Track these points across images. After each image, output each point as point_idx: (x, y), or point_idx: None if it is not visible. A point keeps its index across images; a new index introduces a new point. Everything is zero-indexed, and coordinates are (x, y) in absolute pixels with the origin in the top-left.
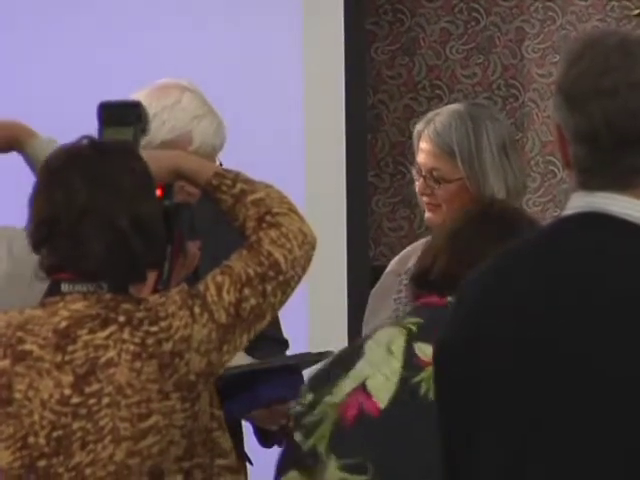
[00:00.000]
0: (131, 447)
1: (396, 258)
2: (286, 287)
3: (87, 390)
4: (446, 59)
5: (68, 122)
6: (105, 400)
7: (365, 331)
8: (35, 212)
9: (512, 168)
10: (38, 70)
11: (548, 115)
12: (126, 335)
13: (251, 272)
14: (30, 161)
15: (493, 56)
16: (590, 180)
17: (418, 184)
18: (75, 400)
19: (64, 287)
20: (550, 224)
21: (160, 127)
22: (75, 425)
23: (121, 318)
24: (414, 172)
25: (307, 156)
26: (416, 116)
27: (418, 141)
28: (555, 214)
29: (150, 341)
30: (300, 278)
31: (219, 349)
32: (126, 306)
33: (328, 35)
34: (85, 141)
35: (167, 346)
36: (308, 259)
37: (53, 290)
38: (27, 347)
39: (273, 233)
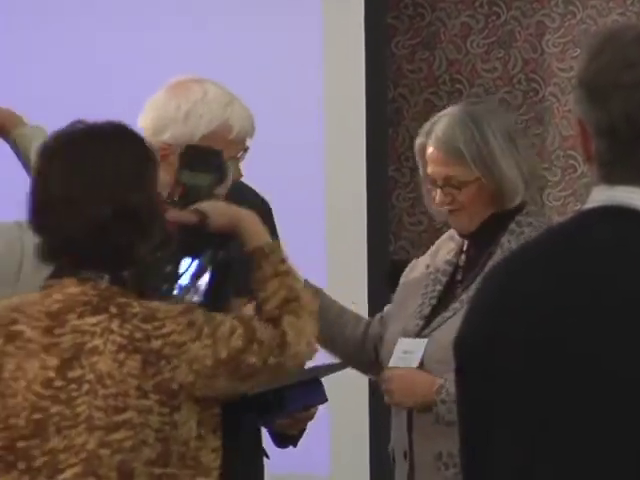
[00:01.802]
0: (103, 437)
1: (429, 251)
2: (279, 370)
3: (70, 375)
4: (467, 53)
5: (68, 122)
6: (85, 387)
7: (384, 314)
8: (31, 198)
9: (521, 153)
10: (38, 70)
11: (569, 109)
12: (115, 326)
13: (264, 338)
14: (16, 149)
15: (514, 50)
16: (611, 174)
17: (435, 196)
18: (57, 384)
19: (63, 272)
20: (571, 218)
21: (198, 122)
22: (53, 409)
23: (113, 309)
24: (425, 185)
25: (327, 151)
26: (436, 110)
27: (422, 154)
28: (576, 208)
29: (138, 335)
30: (288, 371)
31: (207, 378)
32: (121, 299)
33: (348, 29)
34: (79, 126)
35: (155, 344)
36: (302, 364)
37: (56, 274)
38: (19, 328)
39: (293, 320)
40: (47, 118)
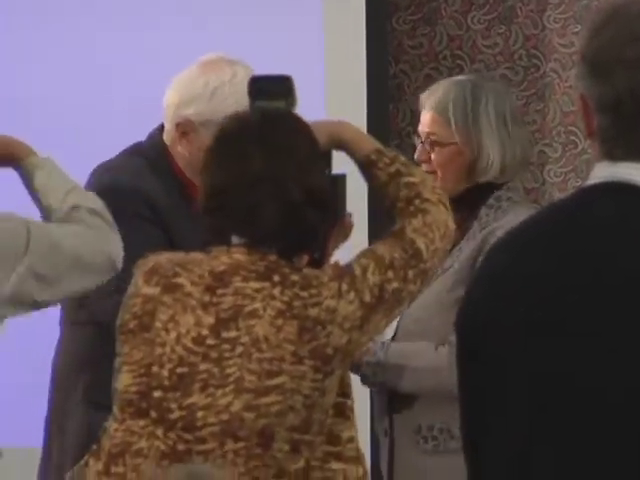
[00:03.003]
0: (250, 400)
1: None
2: (424, 276)
3: (224, 335)
4: (467, 29)
5: (68, 122)
6: (239, 349)
7: None
8: (207, 181)
9: (511, 140)
10: (38, 70)
11: (570, 85)
12: (276, 292)
13: (395, 256)
14: (25, 178)
15: (514, 26)
16: (613, 150)
17: (417, 151)
18: (210, 342)
19: (234, 239)
20: (572, 195)
21: (223, 102)
22: (202, 366)
23: (276, 277)
24: (415, 140)
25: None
26: None
27: (422, 110)
28: (576, 184)
29: (297, 303)
30: (436, 269)
31: (360, 327)
32: (285, 270)
33: (349, 5)
34: (255, 110)
35: (312, 311)
36: (446, 252)
37: (219, 244)
38: (180, 281)
39: (419, 220)
40: (47, 118)
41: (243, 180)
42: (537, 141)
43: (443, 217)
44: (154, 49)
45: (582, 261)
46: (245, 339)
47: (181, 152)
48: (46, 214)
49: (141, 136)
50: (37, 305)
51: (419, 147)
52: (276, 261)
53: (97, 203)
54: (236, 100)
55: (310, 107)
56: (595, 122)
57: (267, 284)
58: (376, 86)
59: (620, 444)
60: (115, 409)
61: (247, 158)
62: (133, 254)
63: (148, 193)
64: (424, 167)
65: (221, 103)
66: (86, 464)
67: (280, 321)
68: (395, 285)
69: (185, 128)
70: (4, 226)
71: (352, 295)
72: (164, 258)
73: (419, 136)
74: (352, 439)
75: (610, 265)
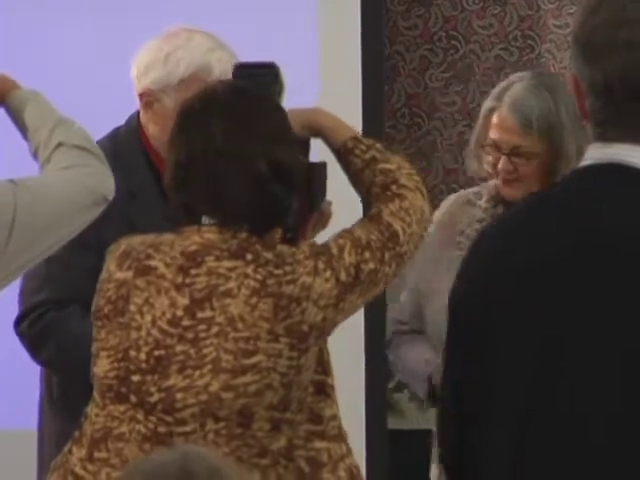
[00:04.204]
0: (229, 380)
1: (443, 211)
2: (400, 260)
3: (199, 315)
4: (462, 10)
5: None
6: (214, 329)
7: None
8: (171, 157)
9: (582, 138)
10: (38, 71)
11: (564, 66)
12: (250, 271)
13: (372, 237)
14: (12, 113)
15: (509, 7)
16: (606, 132)
17: (492, 161)
18: (185, 323)
19: (204, 219)
20: (566, 176)
21: (177, 66)
22: (178, 348)
23: (249, 256)
24: (477, 147)
25: (322, 107)
26: (432, 67)
27: (488, 118)
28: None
29: (271, 281)
30: (412, 254)
31: (335, 306)
32: (257, 247)
33: None
34: (221, 84)
35: (287, 289)
36: (422, 237)
37: (189, 224)
38: (152, 263)
39: (395, 204)
40: None
41: (205, 155)
42: None
43: (419, 203)
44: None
45: (577, 241)
46: (220, 319)
47: (152, 131)
48: (34, 152)
49: None
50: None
51: (503, 160)
52: (247, 239)
53: (81, 137)
54: (191, 60)
55: (305, 88)
56: (587, 104)
57: (240, 262)
58: (371, 67)
59: (625, 402)
60: (95, 394)
61: (209, 133)
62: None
63: None
64: (505, 175)
65: (176, 66)
66: (70, 452)
67: (255, 299)
68: (371, 266)
69: (148, 98)
70: None
71: (328, 273)
72: (136, 241)
73: (496, 146)
74: (334, 417)
75: (605, 244)
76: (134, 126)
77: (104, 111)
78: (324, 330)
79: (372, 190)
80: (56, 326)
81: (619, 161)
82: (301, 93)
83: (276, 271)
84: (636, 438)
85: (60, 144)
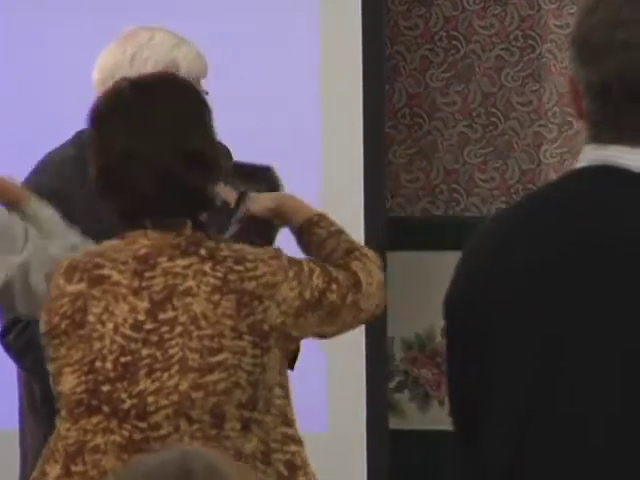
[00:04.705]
0: (197, 379)
1: None
2: (357, 310)
3: (161, 317)
4: (463, 10)
5: (69, 124)
6: (178, 329)
7: None
8: (92, 162)
9: None
10: (37, 70)
11: (565, 66)
12: (207, 268)
13: (340, 276)
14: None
15: (510, 7)
16: (602, 133)
17: None
18: (148, 326)
19: (147, 222)
20: (561, 177)
21: (144, 65)
22: (144, 352)
23: (202, 251)
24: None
25: (323, 107)
26: (433, 67)
27: None
28: (573, 165)
29: (232, 277)
30: (368, 317)
31: (295, 317)
32: (209, 243)
33: None
34: (125, 83)
35: (249, 285)
36: (378, 308)
37: (129, 228)
38: (105, 272)
39: (358, 264)
40: (47, 117)
41: (118, 158)
42: (533, 122)
43: (380, 276)
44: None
45: (577, 242)
46: (183, 318)
47: None
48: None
49: None
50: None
51: None
52: (193, 234)
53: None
54: (156, 60)
55: (306, 88)
56: (583, 105)
57: (195, 259)
58: (372, 67)
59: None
60: (63, 412)
61: (118, 135)
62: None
63: (65, 194)
64: None
65: (142, 65)
66: (43, 473)
67: (217, 297)
68: (334, 298)
69: None
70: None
71: (295, 284)
72: (82, 253)
73: None
74: (295, 421)
75: (604, 245)
76: None
77: None
78: (283, 335)
79: (334, 254)
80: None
81: (613, 163)
82: (302, 93)
83: (237, 267)
84: (635, 439)
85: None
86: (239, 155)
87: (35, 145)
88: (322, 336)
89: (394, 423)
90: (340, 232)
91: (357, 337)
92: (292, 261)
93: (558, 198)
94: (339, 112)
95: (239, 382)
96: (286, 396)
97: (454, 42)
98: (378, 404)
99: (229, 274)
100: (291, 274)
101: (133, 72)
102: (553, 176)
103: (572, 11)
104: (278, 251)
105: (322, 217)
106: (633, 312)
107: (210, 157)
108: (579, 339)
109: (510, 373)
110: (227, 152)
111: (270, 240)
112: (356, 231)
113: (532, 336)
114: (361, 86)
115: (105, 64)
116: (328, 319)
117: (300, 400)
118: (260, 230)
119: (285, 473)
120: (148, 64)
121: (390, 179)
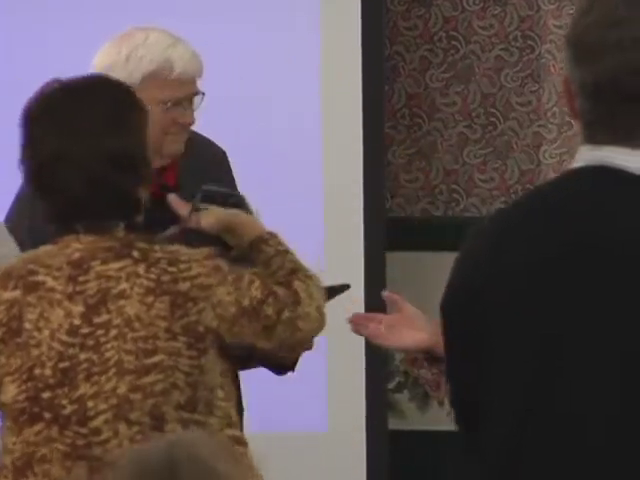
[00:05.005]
0: (134, 381)
1: None
2: (293, 327)
3: (96, 320)
4: (462, 10)
5: None
6: (113, 332)
7: None
8: (23, 164)
9: None
10: (38, 71)
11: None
12: (141, 270)
13: (279, 292)
14: None
15: (510, 7)
16: (596, 134)
17: None
18: (84, 330)
19: (78, 227)
20: (556, 178)
21: (139, 63)
22: (82, 356)
23: (135, 253)
24: None
25: (323, 107)
26: (432, 67)
27: None
28: None
29: (166, 278)
30: (306, 338)
31: (231, 323)
32: (142, 245)
33: None
34: (56, 84)
35: (183, 286)
36: (313, 328)
37: (62, 232)
38: (39, 278)
39: (301, 284)
40: None
41: (47, 162)
42: (532, 122)
43: (322, 299)
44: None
45: (574, 242)
46: (117, 321)
47: None
48: None
49: None
50: None
51: None
52: (126, 237)
53: None
54: (151, 57)
55: (306, 88)
56: (577, 105)
57: (128, 261)
58: (371, 67)
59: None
60: (8, 422)
61: (48, 137)
62: None
63: None
64: None
65: (138, 64)
66: None
67: (150, 298)
68: (270, 312)
69: None
70: None
71: (233, 289)
72: (15, 259)
73: None
74: (238, 423)
75: (600, 246)
76: None
77: None
78: (221, 341)
79: (279, 272)
80: None
81: (609, 164)
82: (302, 93)
83: (170, 268)
84: (634, 439)
85: None
86: (240, 155)
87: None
88: (261, 352)
89: (393, 423)
90: (287, 252)
91: (357, 337)
92: (233, 268)
93: (555, 198)
94: (339, 112)
95: (177, 383)
96: (229, 398)
97: (453, 42)
98: (378, 404)
99: (162, 275)
100: (230, 279)
101: (128, 71)
102: (552, 176)
103: (571, 12)
104: (213, 252)
105: (272, 236)
106: (631, 312)
107: (139, 159)
108: (577, 339)
109: (509, 373)
110: (223, 155)
111: None
112: (356, 231)
113: (531, 336)
114: (361, 86)
115: (100, 64)
116: (264, 333)
117: (300, 400)
118: (204, 243)
119: None
120: (143, 63)
121: (389, 179)
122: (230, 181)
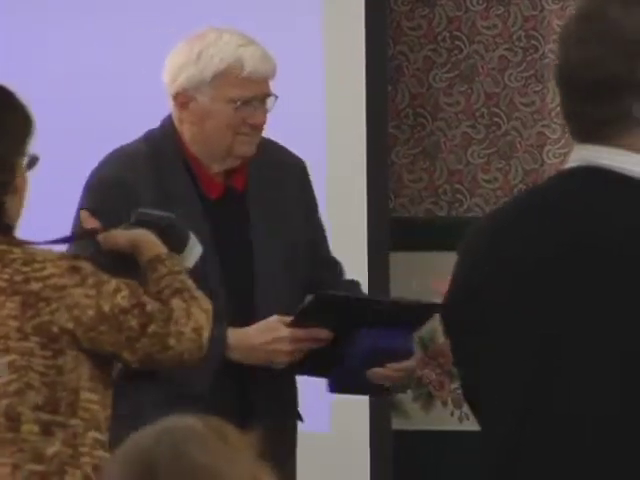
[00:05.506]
0: None
1: None
2: (160, 346)
3: None
4: (466, 10)
5: (69, 124)
6: None
7: None
8: None
9: None
10: (38, 71)
11: None
12: None
13: (150, 305)
14: None
15: (513, 7)
16: (570, 131)
17: None
18: None
19: None
20: (548, 179)
21: (210, 62)
22: None
23: None
24: None
25: (327, 107)
26: (436, 67)
27: None
28: None
29: (18, 278)
30: (179, 356)
31: (88, 328)
32: (2, 247)
33: None
34: None
35: (35, 286)
36: (188, 351)
37: None
38: None
39: (182, 304)
40: (47, 117)
41: None
42: (536, 122)
43: (203, 321)
44: (153, 48)
45: (571, 242)
46: None
47: (188, 131)
48: None
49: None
50: None
51: None
52: None
53: None
54: (222, 56)
55: (310, 89)
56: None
57: None
58: (375, 67)
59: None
60: None
61: None
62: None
63: (132, 187)
64: None
65: (208, 63)
66: None
67: (2, 298)
68: (133, 324)
69: (183, 98)
70: None
71: (93, 292)
72: None
73: None
74: (108, 429)
75: (596, 245)
76: (170, 129)
77: (104, 110)
78: (79, 344)
79: (165, 291)
80: None
81: (595, 164)
82: (305, 93)
83: (24, 268)
84: (633, 438)
85: None
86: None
87: (34, 144)
88: (125, 364)
89: (397, 423)
90: (180, 272)
91: None
92: (97, 272)
93: (549, 198)
94: (342, 112)
95: (31, 383)
96: (102, 402)
97: (457, 42)
98: (381, 404)
99: (15, 275)
100: (90, 282)
101: (199, 69)
102: None
103: None
104: (77, 255)
105: (170, 257)
106: (629, 312)
107: (6, 164)
108: (576, 338)
109: (509, 373)
110: (302, 168)
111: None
112: (359, 231)
113: (530, 335)
114: (364, 86)
115: (173, 63)
116: (127, 344)
117: (303, 400)
118: (119, 262)
119: (93, 477)
120: (214, 61)
121: (393, 179)
122: (307, 197)
